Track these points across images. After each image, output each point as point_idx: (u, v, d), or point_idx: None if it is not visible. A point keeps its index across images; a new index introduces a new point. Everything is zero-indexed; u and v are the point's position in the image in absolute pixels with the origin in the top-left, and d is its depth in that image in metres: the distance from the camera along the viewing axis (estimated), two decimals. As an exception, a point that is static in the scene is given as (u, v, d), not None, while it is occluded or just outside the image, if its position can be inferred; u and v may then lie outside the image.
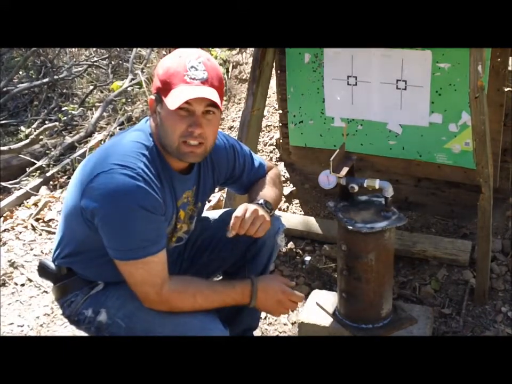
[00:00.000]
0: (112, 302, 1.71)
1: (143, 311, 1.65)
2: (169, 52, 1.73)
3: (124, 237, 1.57)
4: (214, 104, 1.61)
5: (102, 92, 4.93)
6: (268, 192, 1.90)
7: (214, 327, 1.65)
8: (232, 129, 3.64)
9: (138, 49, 5.04)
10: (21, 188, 3.56)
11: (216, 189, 3.24)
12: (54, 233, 3.02)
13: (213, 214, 2.05)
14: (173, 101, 1.56)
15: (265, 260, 1.99)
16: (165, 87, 1.59)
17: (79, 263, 1.74)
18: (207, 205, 3.17)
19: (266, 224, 1.73)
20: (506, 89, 2.50)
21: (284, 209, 3.12)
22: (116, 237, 1.58)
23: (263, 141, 3.42)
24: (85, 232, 1.65)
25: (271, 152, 3.37)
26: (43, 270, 1.82)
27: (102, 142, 3.88)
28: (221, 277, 2.15)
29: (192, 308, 1.65)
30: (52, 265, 1.79)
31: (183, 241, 1.88)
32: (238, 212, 1.71)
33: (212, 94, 1.59)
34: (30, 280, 2.78)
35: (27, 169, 3.79)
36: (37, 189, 3.60)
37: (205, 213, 2.02)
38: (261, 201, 1.81)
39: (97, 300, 1.72)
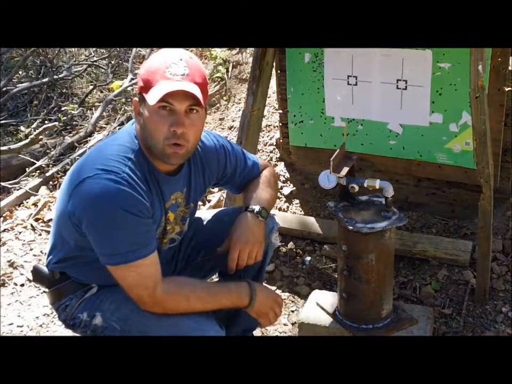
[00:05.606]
0: (107, 305, 1.70)
1: (137, 314, 1.64)
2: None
3: (112, 242, 1.56)
4: (197, 103, 1.57)
5: (101, 92, 4.92)
6: (263, 194, 1.90)
7: (210, 327, 1.64)
8: (232, 129, 3.64)
9: (138, 48, 5.04)
10: (20, 188, 3.55)
11: (216, 189, 3.24)
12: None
13: (207, 214, 2.04)
14: (153, 96, 1.53)
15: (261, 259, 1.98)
16: (147, 85, 1.56)
17: (72, 267, 1.74)
18: (207, 205, 3.16)
19: (260, 250, 1.81)
20: (506, 89, 2.50)
21: (284, 209, 3.12)
22: (104, 243, 1.57)
23: (263, 141, 3.42)
24: (74, 236, 1.64)
25: (271, 152, 3.37)
26: (37, 275, 1.82)
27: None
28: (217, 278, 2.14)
29: (186, 310, 1.64)
30: (46, 270, 1.79)
31: (177, 242, 1.87)
32: (233, 254, 1.77)
33: (193, 88, 1.54)
34: (30, 281, 2.78)
35: (27, 169, 3.79)
36: (36, 189, 3.59)
37: (199, 213, 2.01)
38: (257, 209, 1.83)
39: (91, 304, 1.72)
